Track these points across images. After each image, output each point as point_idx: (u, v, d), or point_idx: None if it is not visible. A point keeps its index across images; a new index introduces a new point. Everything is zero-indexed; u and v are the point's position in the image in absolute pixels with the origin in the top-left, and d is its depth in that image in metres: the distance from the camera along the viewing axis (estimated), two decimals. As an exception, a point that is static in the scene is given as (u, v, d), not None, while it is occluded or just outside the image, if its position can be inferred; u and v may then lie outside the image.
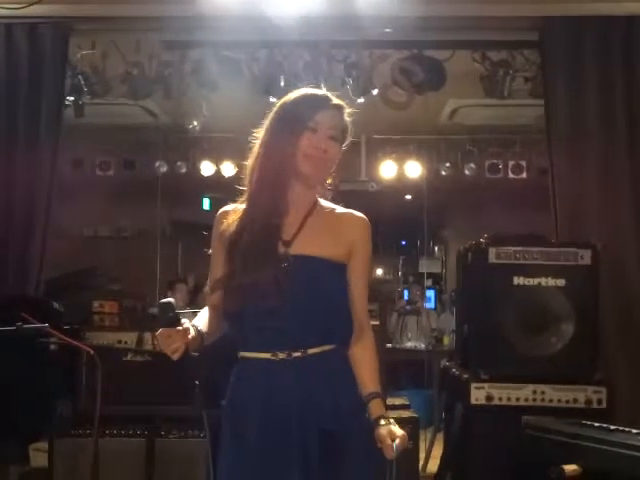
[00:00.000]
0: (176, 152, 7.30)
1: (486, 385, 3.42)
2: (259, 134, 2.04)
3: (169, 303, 1.87)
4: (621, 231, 4.04)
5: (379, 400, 2.00)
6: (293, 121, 1.98)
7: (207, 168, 7.28)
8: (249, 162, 2.05)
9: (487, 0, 4.27)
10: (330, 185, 2.11)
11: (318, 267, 1.97)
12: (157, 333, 1.85)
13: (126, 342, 3.85)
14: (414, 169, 7.48)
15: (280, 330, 1.93)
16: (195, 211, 8.95)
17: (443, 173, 7.34)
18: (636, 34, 4.12)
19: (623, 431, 2.76)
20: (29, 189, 4.23)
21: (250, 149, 2.06)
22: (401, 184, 7.80)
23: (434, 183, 7.80)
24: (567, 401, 3.41)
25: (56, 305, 4.10)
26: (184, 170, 7.27)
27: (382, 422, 1.95)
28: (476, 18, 4.29)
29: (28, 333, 2.75)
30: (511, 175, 7.18)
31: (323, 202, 2.08)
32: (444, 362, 4.41)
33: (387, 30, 4.37)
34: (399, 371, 7.38)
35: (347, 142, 2.06)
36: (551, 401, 3.42)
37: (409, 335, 7.83)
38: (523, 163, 7.13)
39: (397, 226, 10.45)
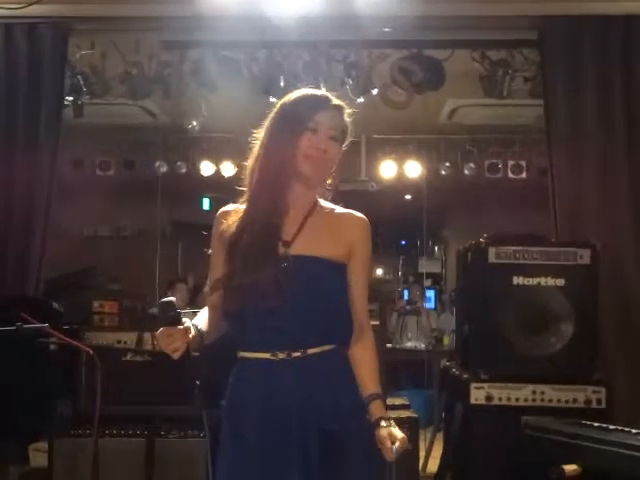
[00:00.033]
0: (176, 152, 7.30)
1: (486, 385, 3.42)
2: (259, 135, 2.05)
3: (170, 302, 1.87)
4: (620, 231, 4.04)
5: (380, 401, 2.00)
6: (293, 121, 1.98)
7: (207, 168, 7.27)
8: (249, 162, 2.05)
9: (486, -1, 4.29)
10: (330, 185, 2.11)
11: (318, 267, 1.97)
12: (157, 332, 1.85)
13: (126, 342, 3.84)
14: (414, 169, 7.47)
15: (280, 330, 1.93)
16: (195, 211, 8.95)
17: (443, 173, 7.34)
18: (635, 34, 4.12)
19: (622, 431, 2.76)
20: (29, 189, 4.23)
21: (250, 149, 2.06)
22: (401, 184, 7.80)
23: (434, 183, 7.80)
24: (566, 401, 3.41)
25: (56, 305, 4.10)
26: (184, 170, 7.26)
27: (383, 424, 1.96)
28: (475, 17, 4.29)
29: (28, 333, 2.75)
30: (511, 175, 7.18)
31: (323, 202, 2.08)
32: (444, 362, 4.41)
33: (386, 30, 4.36)
34: (399, 371, 7.39)
35: (347, 142, 2.06)
36: (550, 401, 3.42)
37: (409, 335, 7.83)
38: (523, 163, 7.13)
39: (397, 226, 10.46)
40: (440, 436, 4.56)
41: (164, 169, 7.24)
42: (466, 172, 7.23)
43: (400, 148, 7.44)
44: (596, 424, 2.88)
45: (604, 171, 4.09)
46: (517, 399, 3.42)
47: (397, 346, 7.58)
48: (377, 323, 3.47)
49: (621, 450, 2.58)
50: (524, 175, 7.14)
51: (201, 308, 2.12)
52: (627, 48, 4.12)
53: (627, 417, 3.56)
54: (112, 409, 3.15)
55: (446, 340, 7.58)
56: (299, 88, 2.11)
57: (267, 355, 1.95)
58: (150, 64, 4.85)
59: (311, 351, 1.95)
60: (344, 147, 2.05)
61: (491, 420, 3.40)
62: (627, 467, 2.54)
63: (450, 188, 7.98)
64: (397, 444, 1.90)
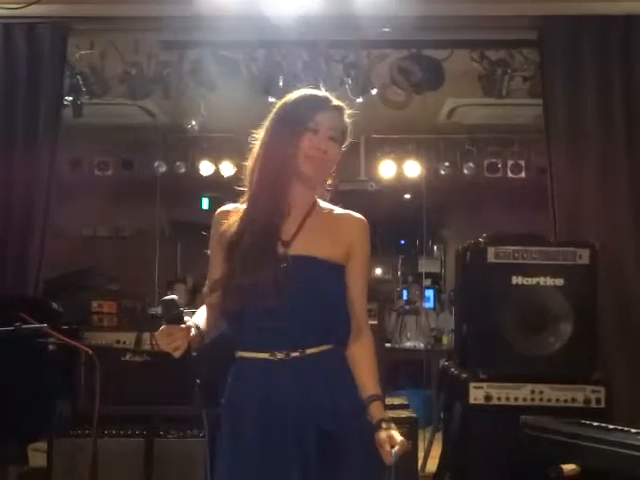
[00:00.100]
0: (175, 152, 7.30)
1: (485, 385, 3.42)
2: (259, 135, 2.04)
3: (172, 300, 1.86)
4: (619, 231, 4.04)
5: (379, 403, 2.00)
6: (294, 122, 1.98)
7: (206, 168, 7.27)
8: (249, 163, 2.05)
9: (485, -1, 4.29)
10: (329, 186, 2.11)
11: (317, 268, 1.97)
12: (159, 330, 1.84)
13: (125, 342, 3.84)
14: (413, 168, 7.48)
15: (279, 330, 1.93)
16: (194, 211, 8.94)
17: (442, 172, 7.34)
18: (635, 34, 4.12)
19: (622, 430, 2.76)
20: (28, 189, 4.23)
21: (249, 149, 2.06)
22: (400, 183, 7.80)
23: (433, 182, 7.81)
24: (565, 400, 3.41)
25: (55, 305, 4.09)
26: (183, 170, 7.26)
27: (383, 425, 1.95)
28: (474, 17, 4.29)
29: (27, 333, 2.75)
30: (510, 174, 7.18)
31: (322, 203, 2.08)
32: (443, 362, 4.39)
33: (385, 30, 4.36)
34: (398, 371, 7.40)
35: (346, 143, 2.06)
36: (549, 401, 3.42)
37: (408, 335, 7.83)
38: (522, 162, 7.13)
39: (396, 225, 10.46)
40: (439, 436, 4.55)
41: (163, 169, 7.23)
42: (465, 172, 7.23)
43: (399, 148, 7.44)
44: (595, 424, 2.88)
45: (604, 171, 4.08)
46: (516, 399, 3.41)
47: (396, 346, 7.59)
48: (375, 322, 3.47)
49: (620, 450, 2.58)
50: (523, 175, 7.14)
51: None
52: (627, 48, 4.12)
53: (626, 417, 3.57)
54: (111, 409, 3.14)
55: (445, 340, 7.59)
56: (298, 88, 2.11)
57: (266, 355, 1.95)
58: (149, 64, 4.86)
59: (309, 351, 1.95)
60: (343, 148, 2.06)
61: (490, 420, 3.40)
62: (626, 467, 2.54)
63: (449, 188, 7.98)
64: (396, 448, 1.90)
